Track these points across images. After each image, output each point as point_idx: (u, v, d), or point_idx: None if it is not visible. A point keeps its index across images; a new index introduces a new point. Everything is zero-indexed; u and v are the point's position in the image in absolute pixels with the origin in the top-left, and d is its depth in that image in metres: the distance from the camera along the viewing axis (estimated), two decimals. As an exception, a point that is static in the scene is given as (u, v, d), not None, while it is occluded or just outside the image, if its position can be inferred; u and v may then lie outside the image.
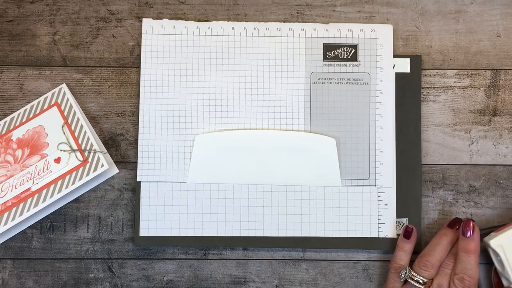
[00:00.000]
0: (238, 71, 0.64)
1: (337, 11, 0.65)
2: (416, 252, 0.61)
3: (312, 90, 0.64)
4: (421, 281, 0.58)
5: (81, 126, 0.62)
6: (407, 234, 0.61)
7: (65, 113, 0.63)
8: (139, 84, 0.64)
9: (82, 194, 0.64)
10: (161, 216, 0.63)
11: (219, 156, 0.63)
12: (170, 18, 0.65)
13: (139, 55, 0.65)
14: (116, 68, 0.65)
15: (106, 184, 0.64)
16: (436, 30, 0.65)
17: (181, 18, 0.65)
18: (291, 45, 0.64)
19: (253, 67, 0.64)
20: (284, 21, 0.65)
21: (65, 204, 0.64)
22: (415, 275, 0.58)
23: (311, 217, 0.63)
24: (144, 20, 0.65)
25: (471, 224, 0.58)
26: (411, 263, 0.60)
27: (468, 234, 0.58)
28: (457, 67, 0.65)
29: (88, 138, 0.62)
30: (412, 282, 0.58)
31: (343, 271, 0.64)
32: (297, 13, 0.65)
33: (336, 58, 0.64)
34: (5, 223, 0.61)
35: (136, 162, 0.63)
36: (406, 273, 0.59)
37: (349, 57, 0.64)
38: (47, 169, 0.61)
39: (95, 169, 0.61)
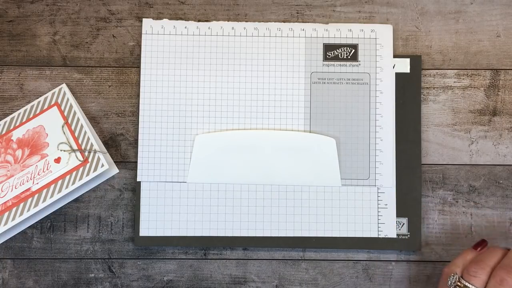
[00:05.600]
0: (238, 71, 0.64)
1: (337, 11, 0.65)
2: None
3: (312, 90, 0.64)
4: None
5: (81, 126, 0.62)
6: (477, 245, 0.57)
7: (65, 113, 0.63)
8: (139, 84, 0.64)
9: (82, 194, 0.64)
10: (161, 216, 0.63)
11: (219, 156, 0.63)
12: (170, 18, 0.65)
13: (139, 55, 0.65)
14: (116, 68, 0.65)
15: (106, 184, 0.64)
16: (436, 30, 0.65)
17: (181, 18, 0.65)
18: (291, 45, 0.64)
19: (253, 67, 0.64)
20: (284, 21, 0.65)
21: (65, 204, 0.64)
22: (464, 283, 0.54)
23: (311, 217, 0.63)
24: (144, 20, 0.65)
25: None
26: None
27: None
28: (457, 67, 0.65)
29: (88, 138, 0.62)
30: None
31: (343, 271, 0.64)
32: (297, 13, 0.65)
33: (336, 58, 0.64)
34: (5, 223, 0.61)
35: (136, 162, 0.64)
36: (453, 279, 0.55)
37: (349, 57, 0.64)
38: (47, 169, 0.61)
39: (95, 169, 0.61)
